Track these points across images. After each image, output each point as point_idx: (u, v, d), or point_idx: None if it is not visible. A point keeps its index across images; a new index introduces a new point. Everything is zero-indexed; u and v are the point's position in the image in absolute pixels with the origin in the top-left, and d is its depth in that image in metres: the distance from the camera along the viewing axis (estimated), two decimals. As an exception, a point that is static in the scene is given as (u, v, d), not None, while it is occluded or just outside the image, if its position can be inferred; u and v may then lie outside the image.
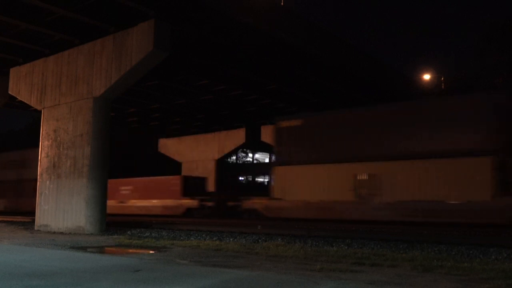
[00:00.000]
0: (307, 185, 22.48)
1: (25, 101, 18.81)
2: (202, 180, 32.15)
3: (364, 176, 21.14)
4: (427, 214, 19.05)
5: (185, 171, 36.03)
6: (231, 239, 12.19)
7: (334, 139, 22.34)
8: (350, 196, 21.10)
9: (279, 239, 11.87)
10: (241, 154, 56.69)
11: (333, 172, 21.83)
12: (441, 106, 20.40)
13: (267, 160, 56.12)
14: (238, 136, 33.82)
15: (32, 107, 19.04)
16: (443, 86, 31.08)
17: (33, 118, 47.77)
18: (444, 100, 22.54)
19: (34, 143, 22.06)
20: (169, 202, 30.04)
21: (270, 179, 27.87)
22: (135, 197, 31.93)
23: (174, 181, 30.69)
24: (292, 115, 25.59)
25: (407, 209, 19.53)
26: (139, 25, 14.64)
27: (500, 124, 18.41)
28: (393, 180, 20.22)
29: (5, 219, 23.32)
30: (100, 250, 10.25)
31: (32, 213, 18.54)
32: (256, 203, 24.74)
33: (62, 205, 15.92)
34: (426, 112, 20.26)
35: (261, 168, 53.43)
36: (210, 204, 28.74)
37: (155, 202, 30.75)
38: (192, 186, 30.43)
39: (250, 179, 55.26)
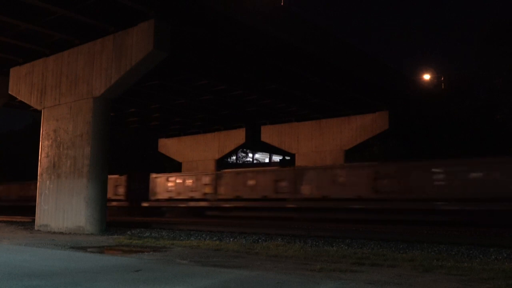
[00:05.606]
0: None
1: (25, 101, 18.82)
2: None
3: None
4: None
5: (185, 171, 35.97)
6: (231, 239, 12.19)
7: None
8: None
9: (279, 239, 11.87)
10: (241, 154, 56.68)
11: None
12: None
13: (267, 160, 56.13)
14: (238, 136, 33.73)
15: (32, 107, 19.04)
16: (443, 86, 30.98)
17: (33, 118, 47.71)
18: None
19: (34, 143, 22.02)
20: None
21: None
22: None
23: None
24: None
25: None
26: (139, 25, 14.63)
27: None
28: None
29: (5, 219, 23.32)
30: (100, 250, 10.25)
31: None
32: None
33: (62, 205, 15.92)
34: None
35: None
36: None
37: None
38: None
39: None
